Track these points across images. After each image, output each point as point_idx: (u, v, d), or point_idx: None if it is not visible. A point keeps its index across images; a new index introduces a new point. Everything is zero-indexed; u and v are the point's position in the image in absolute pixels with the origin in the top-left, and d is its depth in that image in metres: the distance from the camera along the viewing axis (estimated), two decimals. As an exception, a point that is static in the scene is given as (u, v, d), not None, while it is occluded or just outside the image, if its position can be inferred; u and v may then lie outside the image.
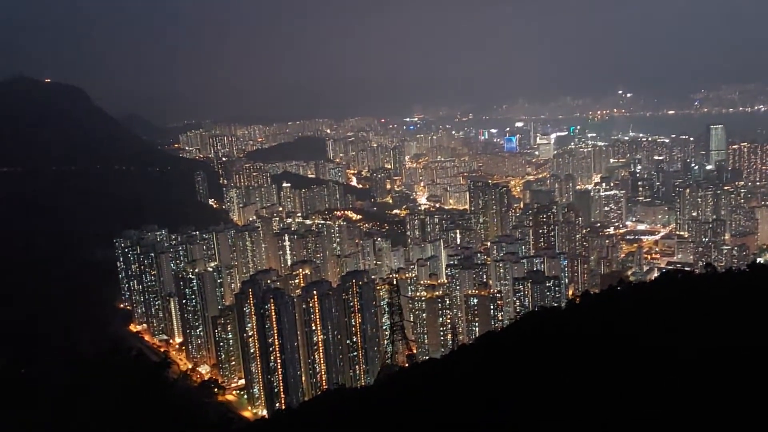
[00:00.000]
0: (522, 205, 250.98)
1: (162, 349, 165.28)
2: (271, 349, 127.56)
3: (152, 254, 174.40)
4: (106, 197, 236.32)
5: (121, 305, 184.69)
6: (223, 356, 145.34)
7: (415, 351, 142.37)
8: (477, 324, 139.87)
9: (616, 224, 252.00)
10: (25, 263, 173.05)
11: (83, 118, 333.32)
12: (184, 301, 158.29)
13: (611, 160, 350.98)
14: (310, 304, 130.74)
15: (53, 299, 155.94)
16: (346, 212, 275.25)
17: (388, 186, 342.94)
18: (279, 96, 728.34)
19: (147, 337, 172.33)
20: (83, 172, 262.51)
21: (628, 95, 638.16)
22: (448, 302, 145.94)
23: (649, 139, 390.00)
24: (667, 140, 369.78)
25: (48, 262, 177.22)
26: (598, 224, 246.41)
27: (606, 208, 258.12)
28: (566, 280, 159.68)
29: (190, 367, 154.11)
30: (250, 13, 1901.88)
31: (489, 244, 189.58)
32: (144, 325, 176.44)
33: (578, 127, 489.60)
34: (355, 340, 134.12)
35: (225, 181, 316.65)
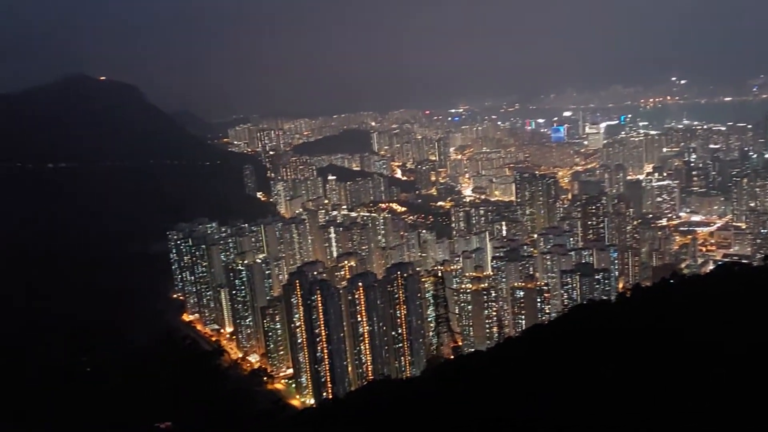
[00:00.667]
0: (570, 197, 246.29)
1: (213, 339, 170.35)
2: (318, 339, 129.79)
3: (203, 246, 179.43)
4: (159, 191, 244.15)
5: (175, 296, 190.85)
6: (271, 346, 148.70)
7: (460, 343, 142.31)
8: (523, 317, 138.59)
9: (669, 215, 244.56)
10: (81, 256, 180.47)
11: (137, 115, 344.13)
12: (234, 292, 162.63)
13: (664, 149, 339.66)
14: (356, 296, 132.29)
15: (110, 291, 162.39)
16: (390, 204, 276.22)
17: (433, 178, 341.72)
18: (324, 89, 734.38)
19: (199, 327, 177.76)
20: (137, 167, 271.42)
21: (682, 82, 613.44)
22: (493, 294, 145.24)
23: (705, 127, 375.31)
24: (723, 128, 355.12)
25: (104, 255, 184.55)
26: (650, 215, 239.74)
27: (658, 199, 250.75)
28: (616, 273, 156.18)
29: (240, 356, 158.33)
30: (295, 8, 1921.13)
31: (536, 236, 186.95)
32: (196, 315, 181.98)
33: (629, 116, 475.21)
34: (400, 331, 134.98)
35: (272, 175, 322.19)
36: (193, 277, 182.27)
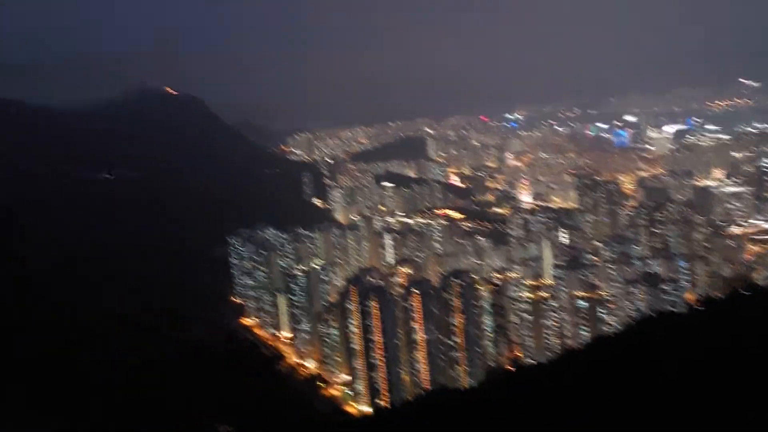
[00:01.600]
0: (634, 203, 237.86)
1: (271, 343, 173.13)
2: (373, 346, 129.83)
3: (263, 251, 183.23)
4: (221, 199, 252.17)
5: (235, 299, 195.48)
6: (327, 352, 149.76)
7: (519, 354, 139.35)
8: (585, 328, 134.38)
9: (742, 223, 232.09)
10: (147, 258, 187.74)
11: (202, 125, 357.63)
12: (291, 297, 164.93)
13: (735, 154, 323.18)
14: (412, 303, 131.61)
15: (174, 293, 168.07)
16: (446, 211, 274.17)
17: (490, 184, 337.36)
18: (380, 97, 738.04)
19: (257, 331, 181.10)
20: (201, 175, 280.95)
21: (754, 84, 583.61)
22: (554, 304, 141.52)
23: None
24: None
25: (169, 259, 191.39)
26: (722, 223, 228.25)
27: (730, 206, 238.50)
28: (685, 283, 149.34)
29: (297, 361, 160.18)
30: (351, 19, 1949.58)
31: (598, 244, 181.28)
32: (255, 319, 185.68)
33: (697, 120, 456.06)
34: (456, 340, 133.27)
35: (329, 182, 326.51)
36: (252, 282, 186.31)
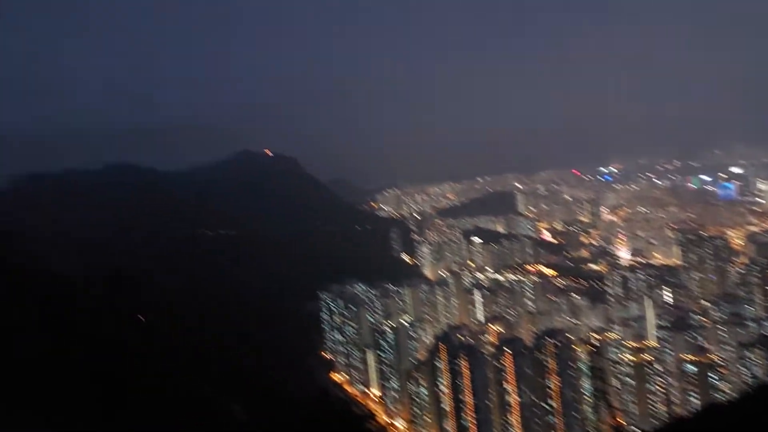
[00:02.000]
0: (745, 260, 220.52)
1: (361, 401, 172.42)
2: (464, 407, 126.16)
3: (352, 307, 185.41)
4: (314, 255, 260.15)
5: (324, 354, 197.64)
6: (417, 411, 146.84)
7: (621, 421, 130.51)
8: (694, 395, 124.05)
9: None
10: (242, 310, 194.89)
11: (295, 184, 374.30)
12: (380, 354, 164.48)
13: None
14: (504, 363, 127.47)
15: (266, 345, 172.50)
16: (538, 267, 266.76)
17: (584, 239, 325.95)
18: (468, 153, 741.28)
19: (347, 387, 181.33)
20: (295, 233, 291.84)
21: None
22: (659, 368, 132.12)
23: None
24: None
25: (262, 312, 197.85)
26: None
27: None
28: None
29: (387, 420, 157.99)
30: (437, 75, 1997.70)
31: (706, 303, 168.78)
32: (344, 375, 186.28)
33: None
34: (552, 403, 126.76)
35: (417, 237, 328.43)
36: (341, 337, 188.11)
